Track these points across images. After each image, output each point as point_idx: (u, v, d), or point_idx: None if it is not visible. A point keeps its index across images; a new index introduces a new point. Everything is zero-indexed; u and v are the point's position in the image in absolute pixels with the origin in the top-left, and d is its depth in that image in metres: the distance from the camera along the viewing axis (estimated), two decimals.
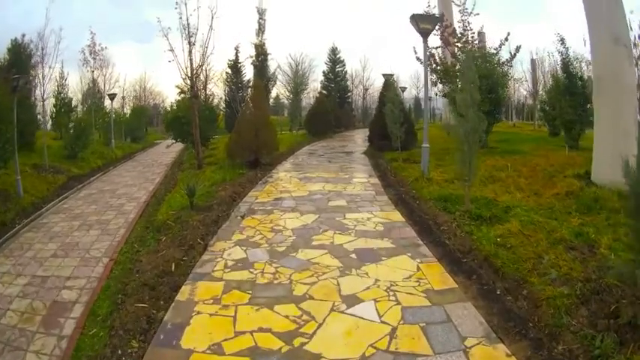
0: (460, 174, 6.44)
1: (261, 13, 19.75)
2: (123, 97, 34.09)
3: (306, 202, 7.49)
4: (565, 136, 13.89)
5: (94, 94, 23.96)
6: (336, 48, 34.15)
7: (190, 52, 13.64)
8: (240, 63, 28.43)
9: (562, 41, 13.50)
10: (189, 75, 13.83)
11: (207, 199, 7.87)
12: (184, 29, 13.49)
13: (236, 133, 11.93)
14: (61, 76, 20.01)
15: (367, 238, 5.55)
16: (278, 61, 45.33)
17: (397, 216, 6.54)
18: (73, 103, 22.46)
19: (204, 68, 17.75)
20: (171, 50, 13.44)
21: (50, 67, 15.45)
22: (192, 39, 13.66)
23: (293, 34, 65.75)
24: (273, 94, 35.18)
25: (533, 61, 27.97)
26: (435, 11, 17.34)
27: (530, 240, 4.81)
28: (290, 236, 5.71)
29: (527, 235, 4.99)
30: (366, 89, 42.06)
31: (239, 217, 6.74)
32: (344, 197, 7.84)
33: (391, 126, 11.93)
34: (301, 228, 6.04)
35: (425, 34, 8.44)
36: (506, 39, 14.56)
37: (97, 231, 6.69)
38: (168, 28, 13.26)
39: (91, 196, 9.54)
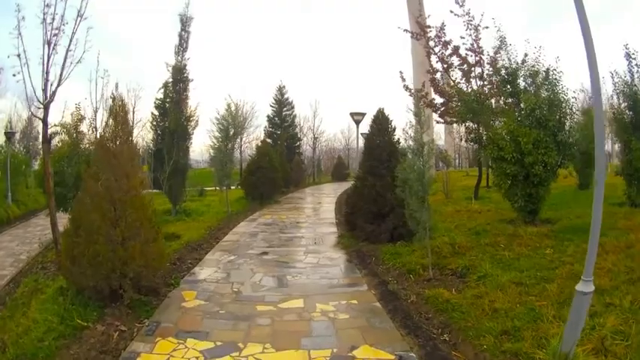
0: None
1: (184, 22, 13.41)
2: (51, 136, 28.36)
3: None
4: (630, 190, 9.52)
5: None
6: (284, 86, 28.70)
7: (49, 59, 7.34)
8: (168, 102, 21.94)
9: (630, 57, 8.97)
10: (43, 101, 7.47)
11: None
12: (50, 23, 7.21)
13: (75, 225, 5.17)
14: None
15: None
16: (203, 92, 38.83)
17: None
18: None
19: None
20: (18, 56, 7.12)
21: None
22: (56, 38, 7.35)
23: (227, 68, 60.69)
24: (205, 139, 28.52)
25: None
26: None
27: None
28: None
29: None
30: (316, 138, 36.84)
31: None
32: None
33: (414, 204, 5.80)
34: None
35: None
36: (524, 61, 9.88)
37: None
38: (22, 17, 6.98)
39: None
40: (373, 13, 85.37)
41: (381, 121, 8.65)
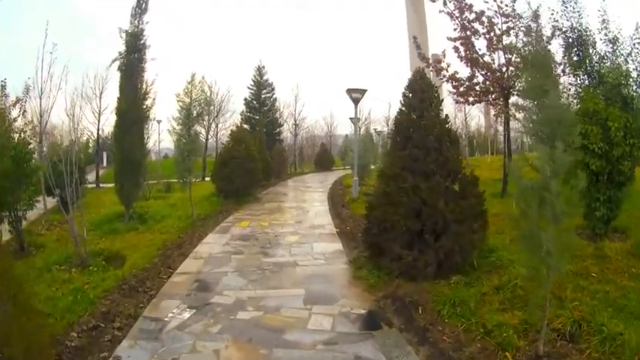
0: None
1: None
2: None
3: None
4: None
5: None
6: (263, 67, 25.67)
7: None
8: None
9: None
10: None
11: None
12: None
13: None
14: None
15: None
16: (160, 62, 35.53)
17: None
18: None
19: None
20: None
21: None
22: None
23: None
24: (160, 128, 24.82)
25: None
26: None
27: None
28: None
29: None
30: (297, 124, 33.96)
31: None
32: None
33: (548, 237, 3.00)
34: None
35: None
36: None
37: None
38: None
39: None
40: None
41: (423, 88, 5.58)
